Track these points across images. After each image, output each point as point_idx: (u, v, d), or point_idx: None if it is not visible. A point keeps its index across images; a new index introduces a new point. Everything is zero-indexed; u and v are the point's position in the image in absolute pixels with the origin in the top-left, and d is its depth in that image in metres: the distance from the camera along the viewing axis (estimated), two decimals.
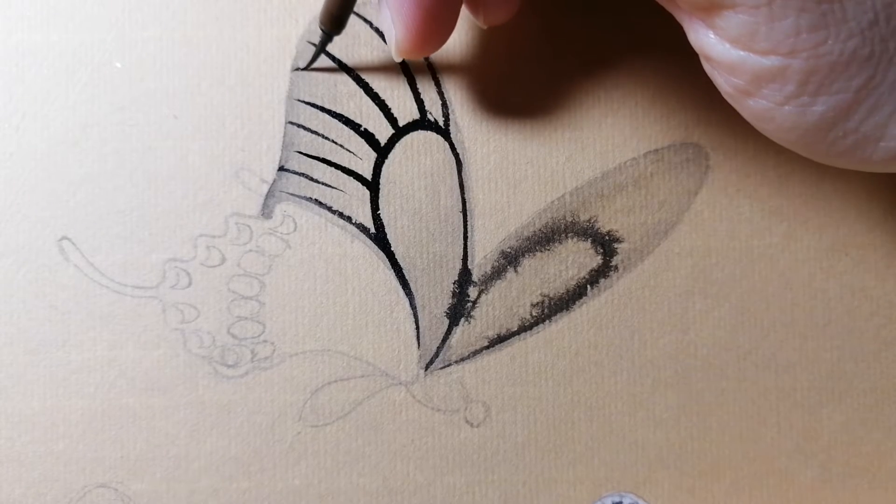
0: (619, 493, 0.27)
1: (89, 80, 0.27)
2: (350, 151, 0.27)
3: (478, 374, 0.27)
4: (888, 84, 0.20)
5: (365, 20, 0.27)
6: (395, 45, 0.24)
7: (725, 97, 0.22)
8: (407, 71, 0.27)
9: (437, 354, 0.27)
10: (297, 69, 0.27)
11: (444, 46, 0.27)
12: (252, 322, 0.27)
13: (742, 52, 0.20)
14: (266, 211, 0.27)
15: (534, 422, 0.27)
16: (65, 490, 0.26)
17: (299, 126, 0.27)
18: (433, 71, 0.27)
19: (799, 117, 0.20)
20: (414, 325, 0.27)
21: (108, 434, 0.26)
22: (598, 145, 0.27)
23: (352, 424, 0.27)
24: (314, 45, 0.27)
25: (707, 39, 0.21)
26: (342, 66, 0.27)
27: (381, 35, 0.27)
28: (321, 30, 0.25)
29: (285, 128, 0.27)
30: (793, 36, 0.19)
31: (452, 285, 0.27)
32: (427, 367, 0.27)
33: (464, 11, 0.26)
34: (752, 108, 0.21)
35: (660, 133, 0.27)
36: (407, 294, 0.27)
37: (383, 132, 0.27)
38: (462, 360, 0.27)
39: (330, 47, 0.27)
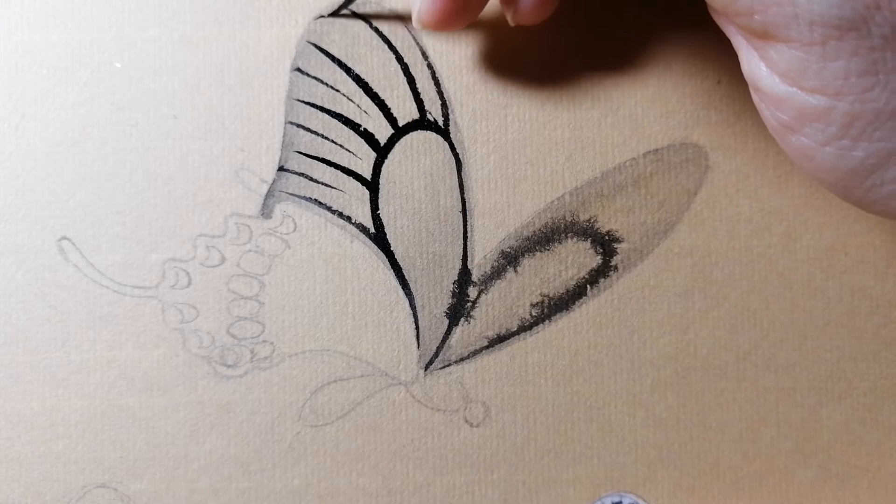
0: (619, 493, 0.27)
1: (89, 80, 0.27)
2: (350, 151, 0.27)
3: (477, 374, 0.27)
4: None
5: (365, 20, 0.27)
6: (417, 15, 0.24)
7: (771, 132, 0.22)
8: (407, 71, 0.27)
9: (436, 354, 0.27)
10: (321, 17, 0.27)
11: (444, 47, 0.27)
12: (251, 322, 0.27)
13: (790, 88, 0.20)
14: (266, 211, 0.27)
15: (534, 422, 0.27)
16: (65, 490, 0.26)
17: (299, 126, 0.27)
18: (433, 71, 0.27)
19: (838, 160, 0.21)
20: (414, 325, 0.27)
21: (108, 434, 0.26)
22: (598, 145, 0.27)
23: (351, 424, 0.27)
24: (314, 44, 0.27)
25: (759, 71, 0.21)
26: (342, 66, 0.27)
27: (381, 35, 0.27)
28: None
29: (285, 128, 0.27)
30: (841, 78, 0.19)
31: (452, 285, 0.27)
32: (427, 367, 0.27)
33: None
34: (795, 144, 0.21)
35: (660, 133, 0.27)
36: (407, 294, 0.27)
37: (383, 132, 0.27)
38: (462, 360, 0.27)
39: (330, 47, 0.27)
